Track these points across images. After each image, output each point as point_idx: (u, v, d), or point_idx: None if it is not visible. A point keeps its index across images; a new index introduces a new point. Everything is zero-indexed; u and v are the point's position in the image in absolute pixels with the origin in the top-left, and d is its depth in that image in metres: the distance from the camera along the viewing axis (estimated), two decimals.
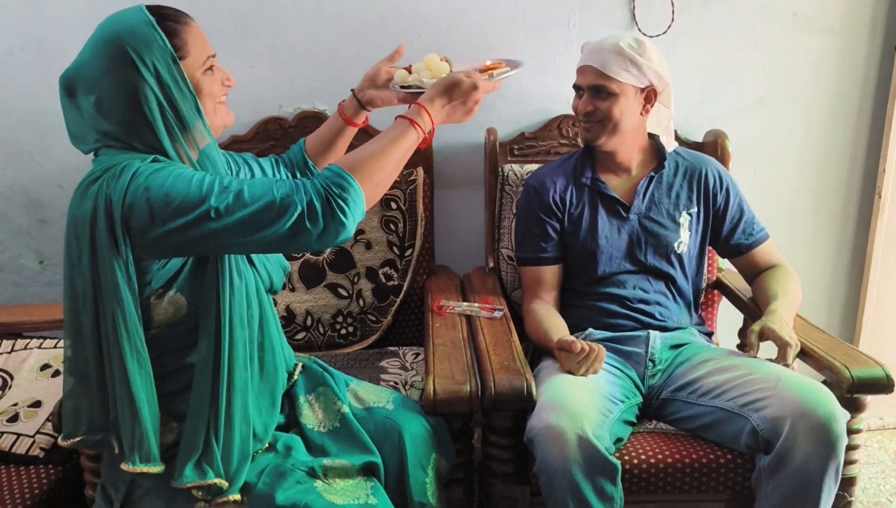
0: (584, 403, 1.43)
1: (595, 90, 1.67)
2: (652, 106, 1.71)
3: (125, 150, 1.15)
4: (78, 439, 1.20)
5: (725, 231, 1.79)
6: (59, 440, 1.22)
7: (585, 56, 1.70)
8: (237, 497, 1.20)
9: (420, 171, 2.02)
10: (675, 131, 2.05)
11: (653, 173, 1.76)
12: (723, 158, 2.01)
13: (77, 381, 1.19)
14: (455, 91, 1.29)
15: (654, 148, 1.80)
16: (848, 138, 2.25)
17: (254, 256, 1.27)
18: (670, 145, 1.79)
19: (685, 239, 1.76)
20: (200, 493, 1.19)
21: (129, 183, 1.08)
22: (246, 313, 1.23)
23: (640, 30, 2.08)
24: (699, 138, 2.11)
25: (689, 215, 1.77)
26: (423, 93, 1.32)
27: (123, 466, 1.16)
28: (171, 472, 1.20)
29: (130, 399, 1.14)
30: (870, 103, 2.22)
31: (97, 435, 1.20)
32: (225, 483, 1.19)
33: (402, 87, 1.43)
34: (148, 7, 1.17)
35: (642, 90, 1.68)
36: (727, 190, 1.78)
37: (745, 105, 2.20)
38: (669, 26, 2.09)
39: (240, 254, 1.21)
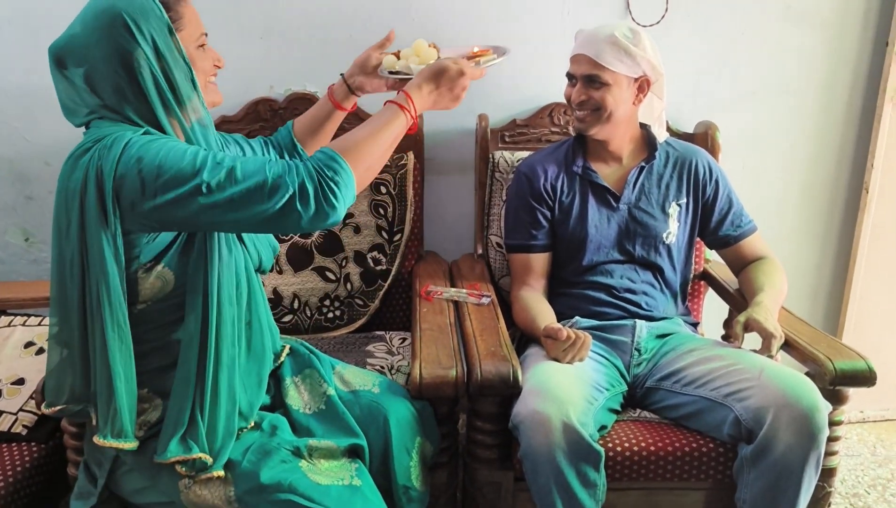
0: (570, 390, 1.44)
1: (588, 79, 1.67)
2: (644, 96, 1.71)
3: (118, 122, 1.15)
4: (59, 408, 1.21)
5: (714, 223, 1.80)
6: (42, 407, 1.23)
7: (579, 45, 1.69)
8: (221, 473, 1.20)
9: (411, 155, 2.01)
10: (667, 122, 2.06)
11: (643, 164, 1.77)
12: (713, 150, 2.01)
13: (61, 350, 1.19)
14: (442, 77, 1.30)
15: (646, 138, 1.80)
16: (837, 133, 2.26)
17: (244, 234, 1.27)
18: (661, 136, 1.79)
19: (674, 230, 1.76)
20: (184, 469, 1.19)
21: (121, 154, 1.08)
22: (235, 291, 1.23)
23: (633, 19, 2.08)
24: (690, 129, 2.11)
25: (679, 205, 1.77)
26: (410, 79, 1.32)
27: (95, 439, 1.17)
28: (154, 448, 1.20)
29: (108, 373, 1.14)
30: (860, 98, 2.23)
31: (77, 406, 1.21)
32: (209, 459, 1.19)
33: (391, 72, 1.43)
34: None
35: (636, 80, 1.68)
36: (717, 181, 1.79)
37: (737, 97, 2.20)
38: (663, 16, 2.08)
39: (229, 232, 1.20)
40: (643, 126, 1.80)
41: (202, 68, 1.22)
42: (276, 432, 1.30)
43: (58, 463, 1.54)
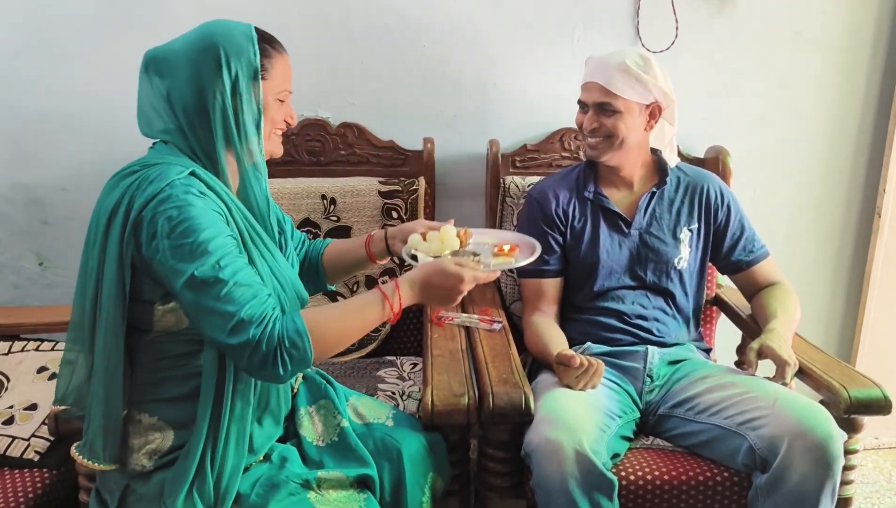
0: (582, 417, 1.43)
1: (600, 107, 1.67)
2: (656, 122, 1.72)
3: (177, 151, 1.19)
4: (64, 408, 1.25)
5: (726, 248, 1.79)
6: (53, 404, 1.26)
7: (590, 72, 1.70)
8: None
9: (422, 180, 2.02)
10: (678, 147, 2.06)
11: (654, 189, 1.77)
12: (724, 175, 2.01)
13: (73, 352, 1.22)
14: (438, 278, 1.26)
15: (657, 163, 1.80)
16: (848, 158, 2.26)
17: (270, 282, 1.23)
18: (673, 161, 1.80)
19: (685, 255, 1.76)
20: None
21: (156, 195, 1.10)
22: None
23: (643, 45, 2.09)
24: (700, 154, 2.12)
25: (690, 231, 1.77)
26: None
27: (72, 450, 1.20)
28: (163, 482, 1.19)
29: (106, 390, 1.16)
30: (870, 123, 2.23)
31: (78, 411, 1.23)
32: None
33: (410, 255, 1.40)
34: (256, 28, 1.22)
35: (647, 107, 1.69)
36: (728, 207, 1.78)
37: (747, 122, 2.21)
38: (673, 42, 2.10)
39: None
40: (654, 151, 1.81)
41: (273, 118, 1.26)
42: (286, 464, 1.29)
43: (70, 490, 1.54)
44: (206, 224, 1.11)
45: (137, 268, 1.13)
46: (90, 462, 1.19)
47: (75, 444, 1.21)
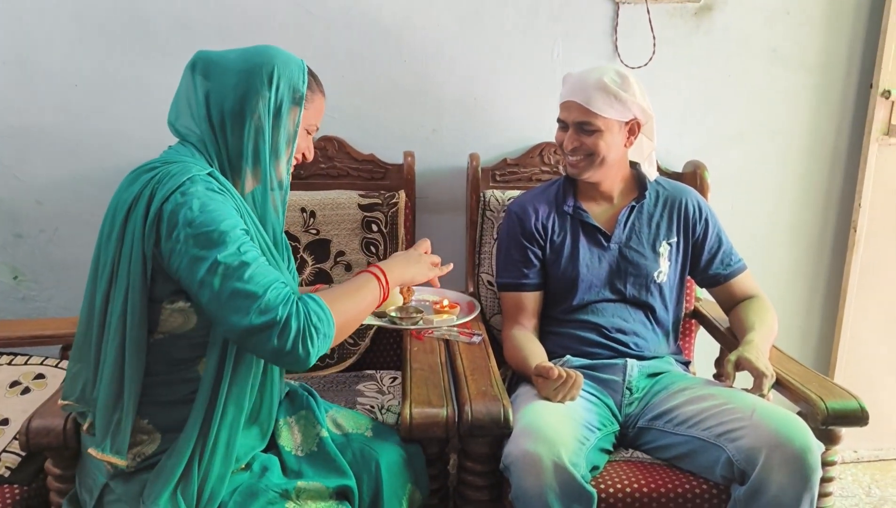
0: (561, 430, 1.43)
1: (580, 126, 1.68)
2: (636, 138, 1.73)
3: (196, 153, 1.22)
4: (68, 402, 1.24)
5: (704, 261, 1.80)
6: (60, 399, 1.27)
7: (568, 91, 1.71)
8: None
9: (402, 194, 2.02)
10: (657, 162, 2.08)
11: (634, 203, 1.78)
12: (702, 189, 2.03)
13: (81, 349, 1.22)
14: (403, 256, 1.44)
15: (636, 177, 1.82)
16: (824, 173, 2.29)
17: None
18: (652, 175, 1.81)
19: (665, 269, 1.77)
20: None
21: (178, 187, 1.13)
22: (253, 356, 1.23)
23: (622, 61, 2.11)
24: (679, 169, 2.13)
25: (669, 244, 1.78)
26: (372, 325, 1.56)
27: (92, 450, 1.18)
28: (144, 483, 1.19)
29: (119, 384, 1.16)
30: (845, 139, 2.26)
31: (82, 407, 1.23)
32: None
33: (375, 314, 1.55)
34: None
35: (626, 123, 1.70)
36: (706, 220, 1.80)
37: (725, 138, 2.23)
38: (651, 58, 2.12)
39: (208, 318, 1.17)
40: (633, 165, 1.82)
41: (298, 146, 1.31)
42: (266, 473, 1.29)
43: (42, 505, 1.50)
44: (226, 216, 1.13)
45: (152, 263, 1.14)
46: (115, 459, 1.18)
47: (93, 447, 1.20)
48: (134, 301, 1.14)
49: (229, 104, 1.21)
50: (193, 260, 1.09)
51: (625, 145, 1.73)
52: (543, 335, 1.79)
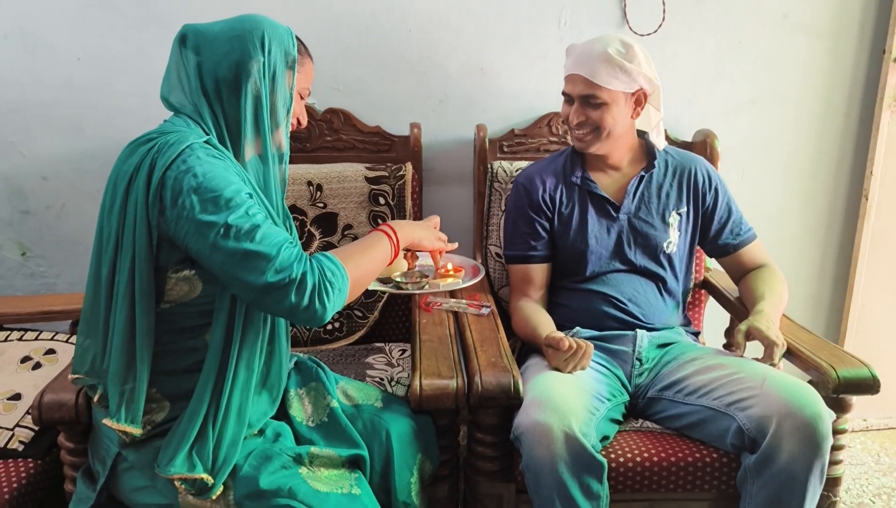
0: (572, 400, 1.43)
1: (585, 99, 1.66)
2: (642, 109, 1.71)
3: (191, 124, 1.22)
4: (78, 376, 1.24)
5: (713, 231, 1.79)
6: (70, 373, 1.27)
7: (572, 63, 1.68)
8: (219, 491, 1.19)
9: (409, 166, 2.01)
10: (665, 131, 2.06)
11: (643, 173, 1.76)
12: (712, 158, 2.01)
13: (89, 322, 1.22)
14: (413, 224, 1.45)
15: (644, 147, 1.79)
16: (835, 140, 2.26)
17: None
18: (660, 144, 1.79)
19: (674, 239, 1.75)
20: (184, 486, 1.18)
21: (177, 157, 1.13)
22: (260, 317, 1.25)
23: (630, 29, 2.08)
24: (689, 138, 2.11)
25: (679, 214, 1.77)
26: (377, 290, 1.54)
27: (106, 421, 1.18)
28: (157, 450, 1.20)
29: (130, 353, 1.16)
30: (857, 106, 2.23)
31: (93, 380, 1.23)
32: (210, 480, 1.18)
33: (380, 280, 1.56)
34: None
35: (632, 95, 1.67)
36: (716, 190, 1.78)
37: (735, 106, 2.20)
38: (660, 25, 2.09)
39: (220, 279, 1.17)
40: (641, 134, 1.80)
41: (293, 111, 1.31)
42: (279, 439, 1.30)
43: (55, 479, 1.52)
44: (230, 181, 1.14)
45: (157, 232, 1.14)
46: (131, 428, 1.18)
47: (108, 417, 1.19)
48: (141, 271, 1.14)
49: (223, 72, 1.20)
50: (202, 225, 1.09)
51: (631, 117, 1.70)
52: (552, 306, 1.79)
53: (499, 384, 1.40)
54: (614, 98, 1.64)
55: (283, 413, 1.41)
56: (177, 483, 1.18)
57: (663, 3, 2.07)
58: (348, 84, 2.07)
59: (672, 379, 1.59)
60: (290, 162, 1.99)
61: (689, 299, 1.88)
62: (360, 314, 1.99)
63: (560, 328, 1.70)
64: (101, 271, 1.18)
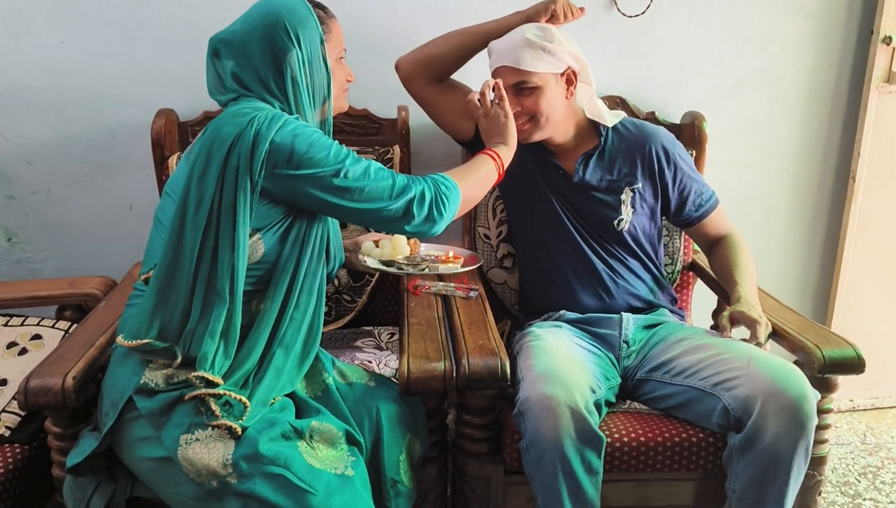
0: (576, 376, 1.45)
1: (517, 88, 1.64)
2: (575, 88, 1.69)
3: (261, 100, 1.31)
4: (144, 341, 1.25)
5: (674, 206, 1.78)
6: (121, 338, 1.28)
7: (496, 58, 1.67)
8: (238, 428, 1.23)
9: (397, 149, 2.00)
10: (654, 113, 2.06)
11: (591, 150, 1.75)
12: (700, 140, 2.01)
13: (161, 290, 1.25)
14: (497, 129, 1.57)
15: (592, 124, 1.77)
16: (823, 122, 2.26)
17: (330, 242, 1.43)
18: (607, 120, 1.75)
19: (626, 216, 1.75)
20: (217, 404, 1.23)
21: (281, 127, 1.23)
22: (315, 284, 1.36)
23: (619, 10, 2.07)
24: (677, 120, 2.11)
25: (633, 191, 1.75)
26: (380, 270, 1.65)
27: (194, 374, 1.23)
28: (167, 406, 1.25)
29: (230, 310, 1.24)
30: (846, 88, 2.23)
31: (162, 344, 1.26)
32: (247, 402, 1.25)
33: (363, 264, 1.65)
34: None
35: (562, 74, 1.66)
36: (675, 165, 1.75)
37: (723, 88, 2.20)
38: (648, 6, 2.08)
39: (340, 218, 1.40)
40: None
41: (338, 79, 1.40)
42: (284, 411, 1.33)
43: (43, 465, 1.52)
44: (328, 139, 1.28)
45: (259, 193, 1.24)
46: (215, 378, 1.24)
47: (193, 371, 1.24)
48: (245, 231, 1.23)
49: (263, 72, 1.29)
50: (319, 177, 1.23)
51: (566, 98, 1.69)
52: (535, 290, 1.83)
53: (486, 367, 1.41)
54: (545, 81, 1.63)
55: None
56: (211, 402, 1.22)
57: None
58: None
59: (660, 360, 1.60)
60: None
61: (666, 278, 1.87)
62: (348, 298, 1.99)
63: (544, 312, 1.75)
64: (187, 239, 1.23)
